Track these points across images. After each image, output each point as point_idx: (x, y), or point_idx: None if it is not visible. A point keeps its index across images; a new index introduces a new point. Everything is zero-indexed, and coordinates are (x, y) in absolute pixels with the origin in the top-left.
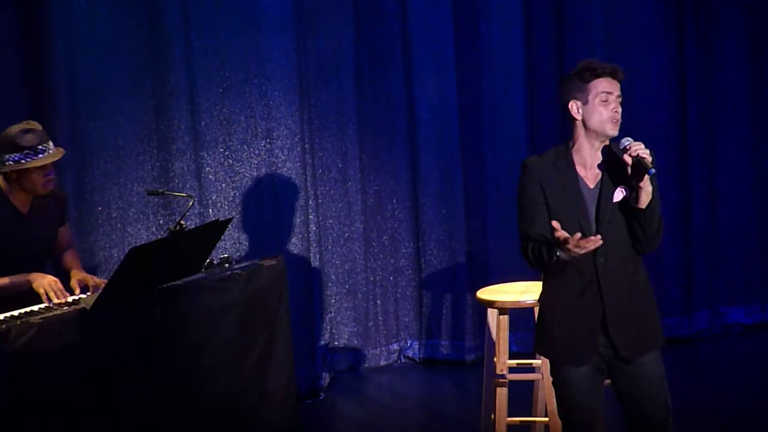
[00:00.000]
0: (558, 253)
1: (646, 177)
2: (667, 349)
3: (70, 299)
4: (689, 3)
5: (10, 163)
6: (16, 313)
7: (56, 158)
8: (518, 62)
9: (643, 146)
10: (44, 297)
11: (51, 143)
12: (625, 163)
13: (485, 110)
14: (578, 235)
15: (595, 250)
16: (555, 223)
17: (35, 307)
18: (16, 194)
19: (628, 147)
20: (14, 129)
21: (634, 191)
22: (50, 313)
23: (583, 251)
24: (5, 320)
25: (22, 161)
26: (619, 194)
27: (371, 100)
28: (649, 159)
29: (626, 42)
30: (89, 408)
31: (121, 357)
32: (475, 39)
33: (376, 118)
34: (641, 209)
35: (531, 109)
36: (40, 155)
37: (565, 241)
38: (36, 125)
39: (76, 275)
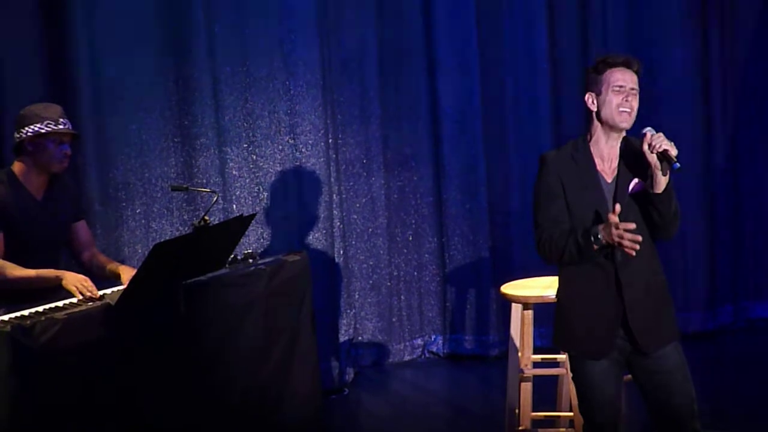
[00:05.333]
0: (599, 236)
1: (668, 171)
2: (691, 343)
3: (97, 295)
4: None
5: (30, 132)
6: (40, 309)
7: (74, 133)
8: (541, 57)
9: (665, 139)
10: (77, 294)
11: (70, 123)
12: (647, 161)
13: (508, 105)
14: (615, 217)
15: (614, 246)
16: (617, 209)
17: (60, 303)
18: (31, 179)
19: (651, 142)
20: (36, 105)
21: (649, 179)
22: (75, 309)
23: (620, 239)
24: (30, 316)
25: (42, 129)
26: (633, 186)
27: (395, 96)
28: (674, 153)
29: (650, 36)
30: (113, 403)
31: (145, 352)
32: (498, 34)
33: (400, 114)
34: (657, 194)
35: (555, 103)
36: (61, 126)
37: (615, 225)
38: (59, 106)
39: (126, 272)
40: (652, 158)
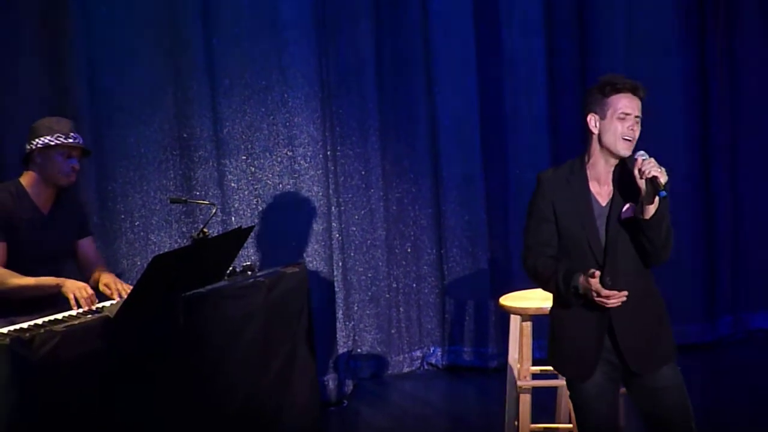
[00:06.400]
0: (578, 288)
1: (656, 198)
2: (690, 355)
3: (94, 307)
4: (710, 9)
5: (39, 144)
6: (39, 321)
7: (83, 147)
8: (540, 69)
9: (656, 165)
10: (73, 303)
11: (81, 138)
12: (638, 186)
13: (507, 117)
14: (596, 278)
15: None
16: (597, 274)
17: (59, 315)
18: (39, 192)
19: (641, 167)
20: (48, 118)
21: (639, 204)
22: (74, 322)
23: (600, 300)
24: (29, 329)
25: (51, 142)
26: (626, 210)
27: (393, 108)
28: (663, 179)
29: (648, 48)
30: (113, 416)
31: (144, 365)
32: (496, 46)
33: (398, 126)
34: (646, 220)
35: (553, 115)
36: (70, 140)
37: (596, 291)
38: (70, 120)
39: (104, 279)
40: (642, 183)
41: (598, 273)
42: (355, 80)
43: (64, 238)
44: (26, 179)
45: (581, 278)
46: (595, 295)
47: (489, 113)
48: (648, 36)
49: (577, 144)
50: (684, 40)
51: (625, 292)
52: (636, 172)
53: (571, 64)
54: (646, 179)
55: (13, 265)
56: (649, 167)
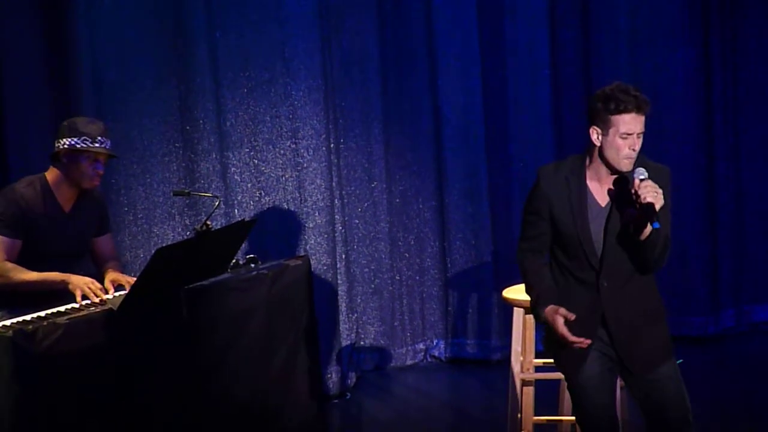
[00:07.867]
0: (542, 320)
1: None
2: (693, 347)
3: (98, 300)
4: (714, 1)
5: (66, 146)
6: (42, 313)
7: (110, 153)
8: (543, 61)
9: (653, 189)
10: (79, 298)
11: (109, 142)
12: (635, 204)
13: (510, 109)
14: (570, 322)
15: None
16: (570, 317)
17: (62, 308)
18: (62, 189)
19: (638, 190)
20: (80, 118)
21: (632, 224)
22: (77, 314)
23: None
24: (32, 321)
25: (77, 145)
26: (628, 212)
27: (396, 100)
28: (659, 205)
29: (651, 40)
30: (115, 408)
31: (147, 357)
32: (500, 38)
33: (402, 118)
34: (641, 240)
35: (556, 107)
36: (97, 145)
37: (563, 336)
38: (101, 122)
39: (110, 275)
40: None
41: (572, 316)
42: (358, 72)
43: (83, 236)
44: (51, 176)
45: (547, 309)
46: (561, 338)
47: (492, 105)
48: (651, 28)
49: (580, 136)
50: (687, 31)
51: (589, 341)
52: (632, 192)
53: (574, 56)
54: (641, 204)
55: (29, 261)
56: (645, 192)
